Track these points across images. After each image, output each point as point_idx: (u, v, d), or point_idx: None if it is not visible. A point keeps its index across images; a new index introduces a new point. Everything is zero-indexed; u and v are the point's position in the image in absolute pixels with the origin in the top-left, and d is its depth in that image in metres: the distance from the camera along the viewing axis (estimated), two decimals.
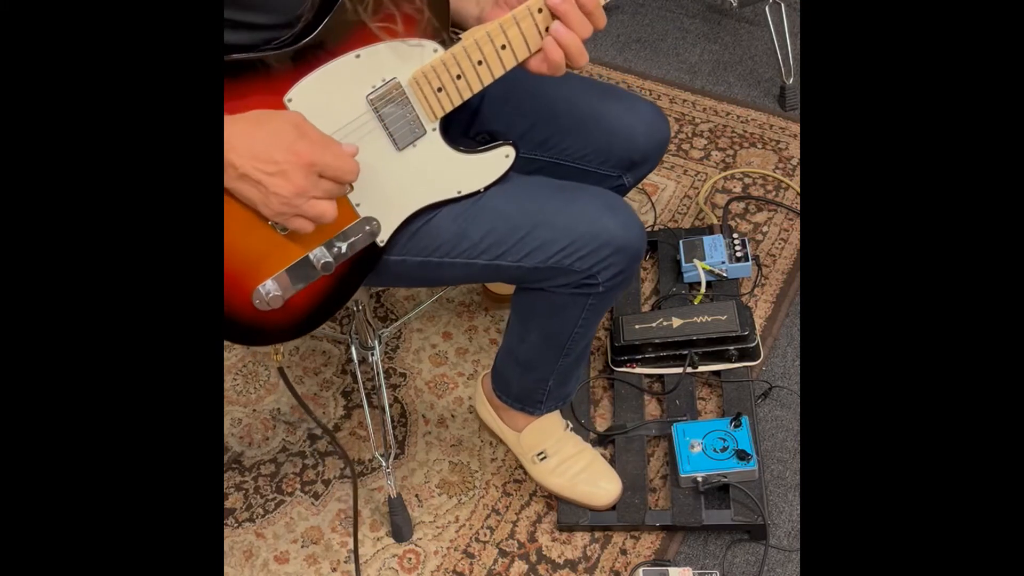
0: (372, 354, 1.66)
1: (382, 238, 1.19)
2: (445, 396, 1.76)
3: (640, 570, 1.47)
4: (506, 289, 1.82)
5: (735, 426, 1.55)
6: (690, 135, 2.19)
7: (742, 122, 2.21)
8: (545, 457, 1.55)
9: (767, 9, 2.26)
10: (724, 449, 1.52)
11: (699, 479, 1.51)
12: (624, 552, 1.53)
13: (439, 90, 1.12)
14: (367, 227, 1.17)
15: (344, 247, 1.16)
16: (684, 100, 2.28)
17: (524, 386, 1.50)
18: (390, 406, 1.73)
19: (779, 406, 1.69)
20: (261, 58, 1.04)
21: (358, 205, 1.16)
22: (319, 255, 1.15)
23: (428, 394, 1.77)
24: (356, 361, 1.71)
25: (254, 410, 1.77)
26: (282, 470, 1.68)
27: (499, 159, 1.20)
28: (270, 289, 1.14)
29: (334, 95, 1.09)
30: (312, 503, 1.63)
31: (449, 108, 1.14)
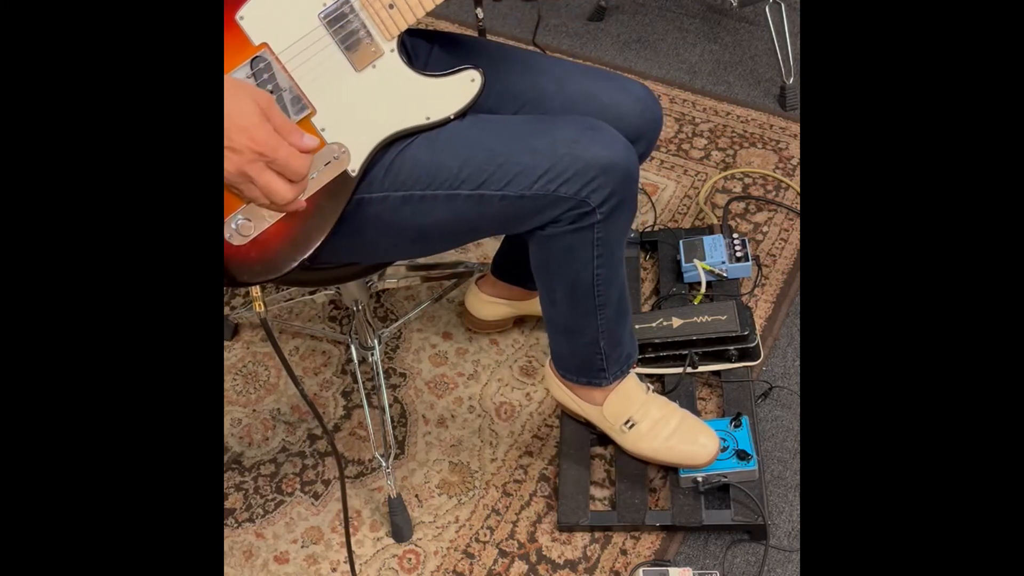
0: (372, 354, 1.66)
1: (353, 167, 1.18)
2: (445, 396, 1.76)
3: (640, 570, 1.47)
4: (492, 315, 1.79)
5: (735, 426, 1.55)
6: (690, 135, 2.19)
7: (742, 122, 2.21)
8: (633, 424, 1.51)
9: (767, 9, 2.26)
10: (724, 449, 1.52)
11: (699, 479, 1.51)
12: (624, 552, 1.53)
13: (391, 7, 1.14)
14: (335, 156, 1.16)
15: (313, 174, 1.15)
16: (684, 100, 2.28)
17: (578, 356, 1.46)
18: (390, 406, 1.73)
19: (779, 406, 1.69)
20: None
21: (323, 130, 1.16)
22: None
23: (428, 394, 1.77)
24: (356, 361, 1.71)
25: (254, 410, 1.77)
26: (282, 470, 1.68)
27: (465, 84, 1.20)
28: (242, 221, 1.13)
29: (286, 12, 1.11)
30: (312, 503, 1.63)
31: (404, 26, 1.15)
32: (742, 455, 1.51)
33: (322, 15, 1.12)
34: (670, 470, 1.56)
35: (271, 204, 1.07)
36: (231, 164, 1.02)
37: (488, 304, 1.78)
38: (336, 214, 1.19)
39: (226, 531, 1.60)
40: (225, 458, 1.70)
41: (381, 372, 1.65)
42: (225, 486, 1.66)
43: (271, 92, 1.13)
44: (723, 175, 2.08)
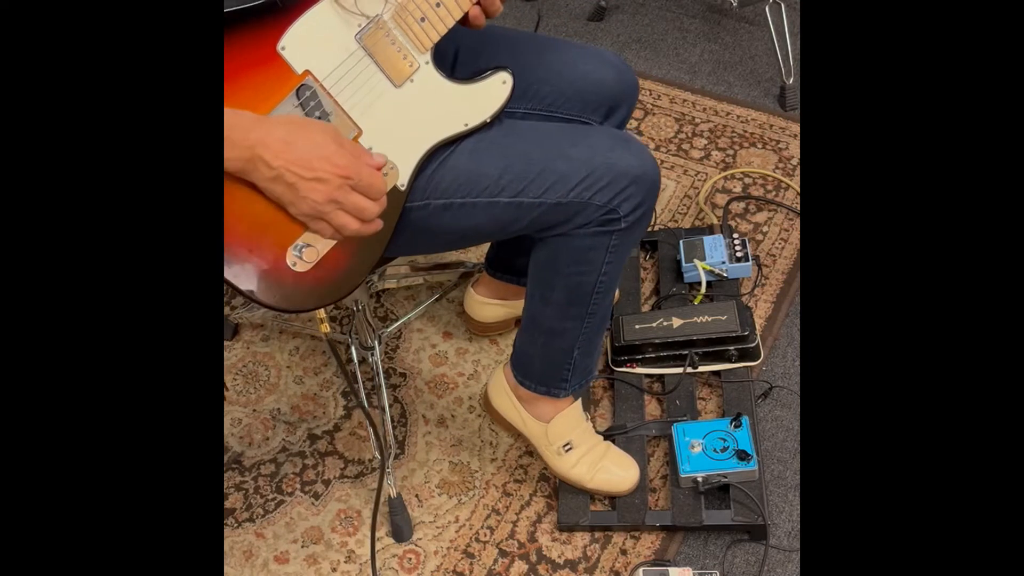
0: (372, 354, 1.66)
1: (402, 181, 1.20)
2: (445, 396, 1.76)
3: (640, 570, 1.47)
4: (491, 316, 1.79)
5: (735, 426, 1.55)
6: (690, 135, 2.19)
7: (742, 122, 2.21)
8: (571, 448, 1.54)
9: (767, 9, 2.26)
10: (724, 449, 1.52)
11: (699, 479, 1.51)
12: (624, 552, 1.53)
13: (422, 20, 1.16)
14: (384, 173, 1.18)
15: None
16: (684, 100, 2.28)
17: (549, 361, 1.48)
18: (390, 406, 1.73)
19: (779, 406, 1.69)
20: (247, 10, 1.07)
21: (371, 150, 1.17)
22: None
23: (428, 394, 1.77)
24: (356, 361, 1.71)
25: (254, 410, 1.77)
26: (282, 470, 1.68)
27: (497, 86, 1.22)
28: (303, 247, 1.14)
29: (324, 38, 1.12)
30: (312, 503, 1.63)
31: (436, 38, 1.17)
32: (742, 455, 1.51)
33: (359, 36, 1.14)
34: (671, 470, 1.56)
35: (358, 227, 1.10)
36: (320, 194, 1.06)
37: (485, 306, 1.78)
38: (391, 229, 1.22)
39: (226, 531, 1.60)
40: (225, 458, 1.70)
41: (381, 372, 1.65)
42: (225, 486, 1.66)
43: (319, 119, 1.15)
44: (723, 175, 2.08)
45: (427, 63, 1.19)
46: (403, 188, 1.20)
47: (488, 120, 1.23)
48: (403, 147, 1.19)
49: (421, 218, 1.24)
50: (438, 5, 1.16)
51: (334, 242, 1.16)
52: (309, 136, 1.06)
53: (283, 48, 1.11)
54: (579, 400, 1.56)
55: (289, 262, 1.14)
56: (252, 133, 1.03)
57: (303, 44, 1.12)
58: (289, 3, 1.10)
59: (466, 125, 1.22)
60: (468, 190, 1.23)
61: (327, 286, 1.19)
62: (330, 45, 1.13)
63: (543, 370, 1.50)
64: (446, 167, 1.23)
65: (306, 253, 1.14)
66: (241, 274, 1.12)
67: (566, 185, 1.23)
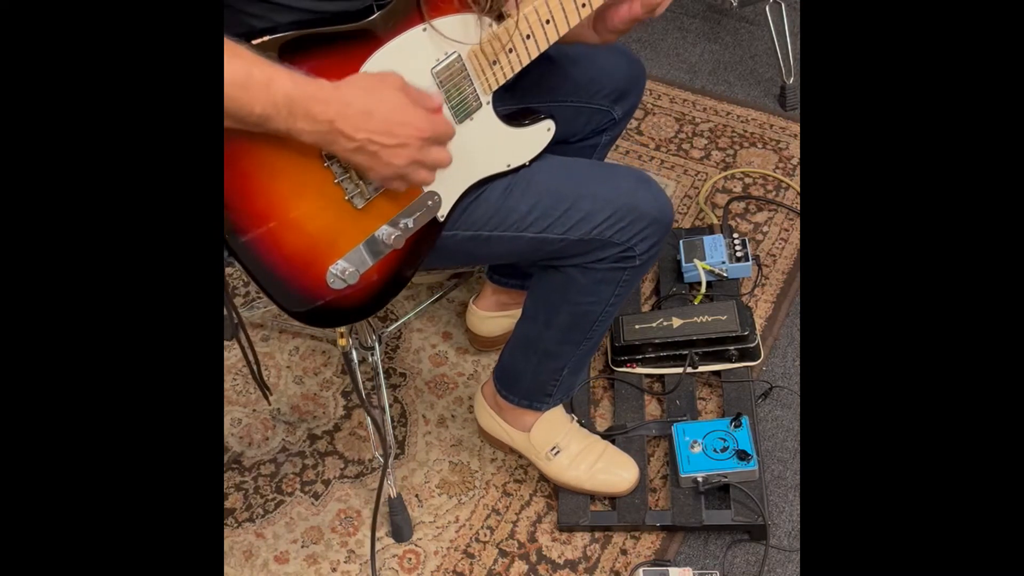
0: (372, 354, 1.66)
1: (442, 213, 1.22)
2: (445, 396, 1.76)
3: (640, 570, 1.47)
4: (496, 329, 1.79)
5: (735, 426, 1.55)
6: (690, 135, 2.19)
7: (742, 122, 2.21)
8: (558, 451, 1.54)
9: (767, 9, 2.26)
10: (724, 449, 1.52)
11: (699, 479, 1.51)
12: (624, 552, 1.53)
13: (494, 63, 1.17)
14: (429, 202, 1.20)
15: (410, 222, 1.19)
16: (684, 100, 2.28)
17: (538, 378, 1.50)
18: (390, 406, 1.73)
19: (779, 406, 1.69)
20: (335, 32, 1.07)
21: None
22: (387, 231, 1.18)
23: (428, 394, 1.77)
24: (356, 361, 1.71)
25: (254, 410, 1.77)
26: (282, 470, 1.68)
27: (541, 132, 1.27)
28: (344, 267, 1.16)
29: (404, 67, 1.13)
30: (312, 503, 1.63)
31: (503, 80, 1.19)
32: (742, 455, 1.51)
33: (435, 70, 1.15)
34: (671, 470, 1.56)
35: (434, 177, 1.13)
36: (402, 159, 1.07)
37: (488, 320, 1.78)
38: (426, 256, 1.25)
39: (226, 531, 1.60)
40: (225, 458, 1.70)
41: (381, 372, 1.65)
42: (225, 486, 1.66)
43: None
44: (723, 175, 2.08)
45: (488, 103, 1.21)
46: (442, 219, 1.23)
47: (527, 164, 1.27)
48: (450, 182, 1.22)
49: (445, 244, 1.26)
50: (511, 51, 1.17)
51: (371, 264, 1.18)
52: (385, 99, 1.06)
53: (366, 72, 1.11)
54: (559, 405, 1.57)
55: (329, 281, 1.16)
56: (331, 107, 1.02)
57: (386, 70, 1.11)
58: (379, 30, 1.08)
59: (508, 166, 1.26)
60: (497, 224, 1.26)
61: (366, 303, 1.22)
62: (408, 75, 1.12)
63: (530, 386, 1.52)
64: (479, 201, 1.25)
65: (349, 275, 1.16)
66: (280, 289, 1.15)
67: (590, 223, 1.26)
